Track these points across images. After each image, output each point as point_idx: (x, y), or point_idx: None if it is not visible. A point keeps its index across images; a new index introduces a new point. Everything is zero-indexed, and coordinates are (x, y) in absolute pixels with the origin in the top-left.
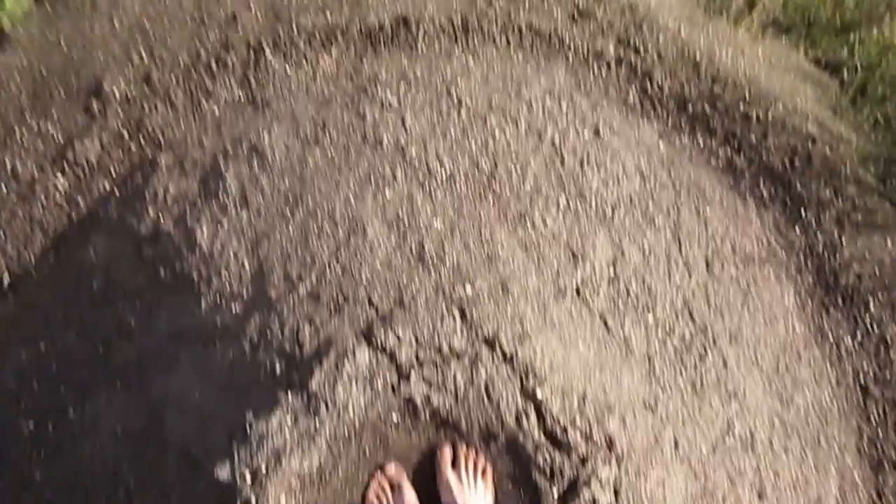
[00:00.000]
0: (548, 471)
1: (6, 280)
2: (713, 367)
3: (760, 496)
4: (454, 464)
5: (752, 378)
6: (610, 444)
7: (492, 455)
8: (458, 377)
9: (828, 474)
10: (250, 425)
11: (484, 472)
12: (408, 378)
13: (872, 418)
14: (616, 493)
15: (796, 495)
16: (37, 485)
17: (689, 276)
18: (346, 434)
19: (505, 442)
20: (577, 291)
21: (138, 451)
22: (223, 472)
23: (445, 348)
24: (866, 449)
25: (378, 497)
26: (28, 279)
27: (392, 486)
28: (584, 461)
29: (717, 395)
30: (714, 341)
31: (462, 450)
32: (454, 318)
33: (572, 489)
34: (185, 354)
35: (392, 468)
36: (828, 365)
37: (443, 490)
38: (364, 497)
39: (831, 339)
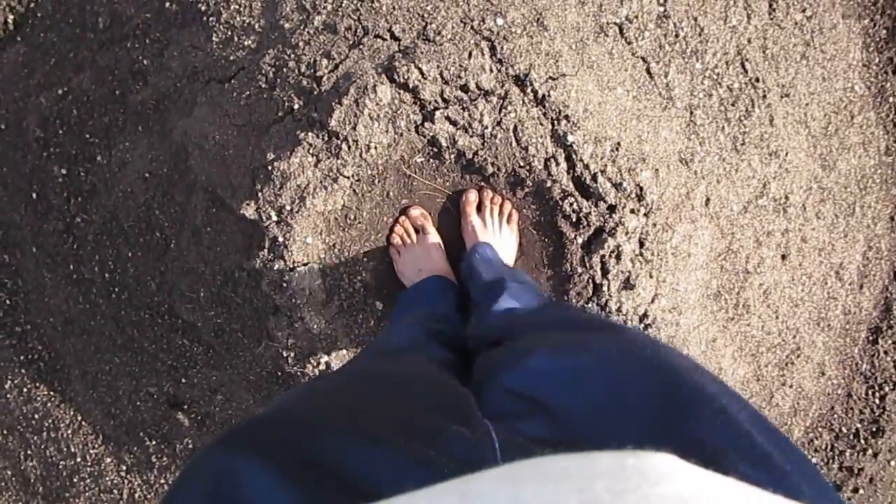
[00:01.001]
0: (574, 218)
1: (10, 20)
2: (758, 123)
3: (784, 258)
4: (479, 209)
5: (798, 139)
6: (640, 195)
7: (517, 201)
8: (486, 118)
9: (855, 242)
10: (272, 165)
11: (510, 217)
12: (432, 117)
13: None
14: (641, 243)
15: (819, 259)
16: (79, 227)
17: (748, 19)
18: (370, 175)
19: (532, 187)
20: (620, 30)
21: (167, 194)
22: (249, 211)
23: (473, 86)
24: None
25: (402, 239)
26: (32, 18)
27: (416, 229)
28: (611, 210)
29: (758, 155)
30: (764, 95)
31: (488, 195)
32: (483, 54)
33: (597, 237)
34: (201, 94)
35: (416, 211)
36: (881, 130)
37: (467, 234)
38: (388, 239)
39: (891, 102)
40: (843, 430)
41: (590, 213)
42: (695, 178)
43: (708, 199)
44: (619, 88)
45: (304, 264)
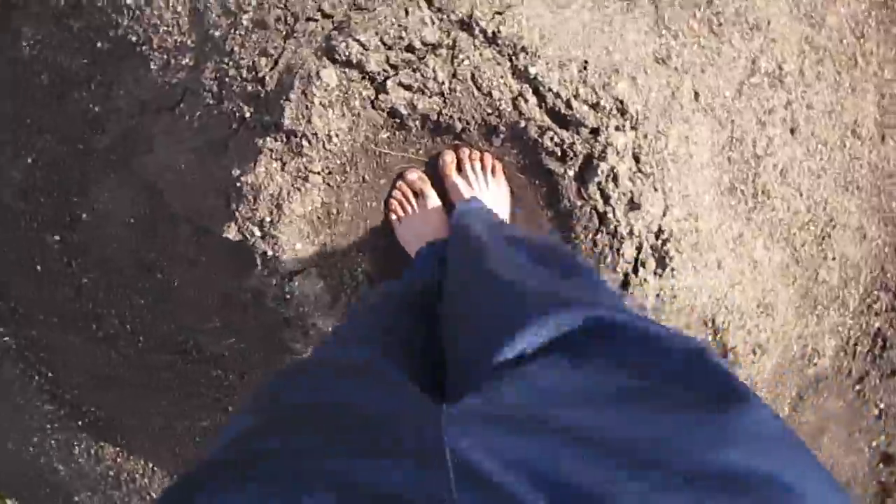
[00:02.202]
0: (558, 152)
1: None
2: None
3: (793, 131)
4: (460, 168)
5: (777, 4)
6: (621, 109)
7: (496, 150)
8: (440, 73)
9: (866, 94)
10: (239, 181)
11: (493, 169)
12: (385, 88)
13: None
14: (636, 158)
15: (831, 123)
16: (87, 288)
17: None
18: (340, 165)
19: (507, 132)
20: None
21: (154, 233)
22: (231, 233)
23: (418, 44)
24: None
25: (401, 205)
26: None
27: (415, 193)
28: (595, 133)
29: (738, 32)
30: None
31: (465, 152)
32: (419, 7)
33: (588, 165)
34: (155, 126)
35: (413, 174)
36: None
37: (452, 193)
38: (387, 206)
39: None
40: (894, 286)
41: (573, 142)
42: (677, 75)
43: (696, 93)
44: (572, 4)
45: (301, 271)
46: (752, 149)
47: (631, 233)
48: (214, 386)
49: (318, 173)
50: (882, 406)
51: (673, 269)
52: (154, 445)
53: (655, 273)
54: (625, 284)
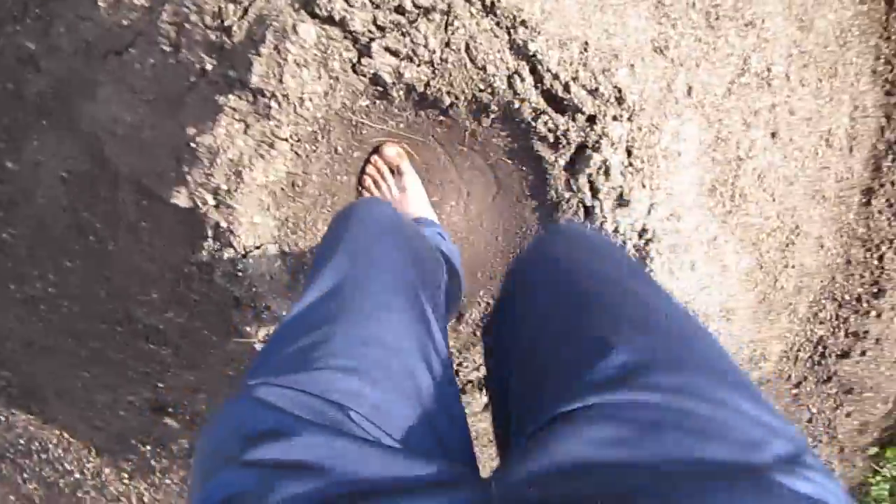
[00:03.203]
0: (551, 138)
1: None
2: None
3: (774, 135)
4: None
5: (772, 2)
6: (620, 98)
7: (484, 130)
8: (431, 40)
9: (840, 105)
10: (195, 141)
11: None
12: (369, 51)
13: (892, 33)
14: (629, 152)
15: (808, 130)
16: (9, 245)
17: None
18: (311, 132)
19: (499, 112)
20: None
21: (91, 192)
22: (181, 198)
23: (409, 5)
24: (882, 69)
25: (375, 181)
26: None
27: (391, 170)
28: (591, 121)
29: (734, 27)
30: None
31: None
32: None
33: (581, 155)
34: (101, 71)
35: (392, 150)
36: None
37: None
38: (359, 182)
39: None
40: (846, 297)
41: (568, 129)
42: (673, 67)
43: (690, 88)
44: None
45: (258, 247)
46: (736, 150)
47: (616, 230)
48: (144, 360)
49: (286, 140)
50: (814, 411)
51: (651, 271)
52: (72, 417)
53: None
54: None
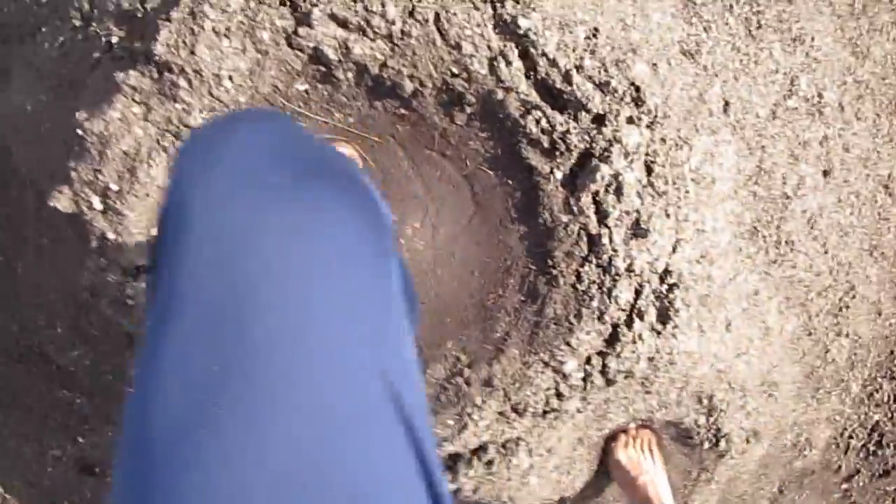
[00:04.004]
0: (545, 141)
1: None
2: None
3: (826, 174)
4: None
5: (822, 20)
6: (637, 98)
7: (458, 129)
8: (391, 8)
9: None
10: (83, 128)
11: (650, 442)
12: (308, 20)
13: None
14: (649, 169)
15: (865, 172)
16: None
17: None
18: None
19: (476, 105)
20: None
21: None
22: (62, 201)
23: None
24: None
25: None
26: None
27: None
28: (600, 122)
29: (779, 41)
30: None
31: (630, 433)
32: None
33: (584, 167)
34: (14, 59)
35: (342, 151)
36: None
37: (617, 473)
38: None
39: None
40: None
41: (568, 130)
42: (706, 75)
43: (727, 103)
44: None
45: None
46: (782, 186)
47: (630, 269)
48: (62, 410)
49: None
50: None
51: (676, 327)
52: (7, 472)
53: (654, 329)
54: (611, 341)
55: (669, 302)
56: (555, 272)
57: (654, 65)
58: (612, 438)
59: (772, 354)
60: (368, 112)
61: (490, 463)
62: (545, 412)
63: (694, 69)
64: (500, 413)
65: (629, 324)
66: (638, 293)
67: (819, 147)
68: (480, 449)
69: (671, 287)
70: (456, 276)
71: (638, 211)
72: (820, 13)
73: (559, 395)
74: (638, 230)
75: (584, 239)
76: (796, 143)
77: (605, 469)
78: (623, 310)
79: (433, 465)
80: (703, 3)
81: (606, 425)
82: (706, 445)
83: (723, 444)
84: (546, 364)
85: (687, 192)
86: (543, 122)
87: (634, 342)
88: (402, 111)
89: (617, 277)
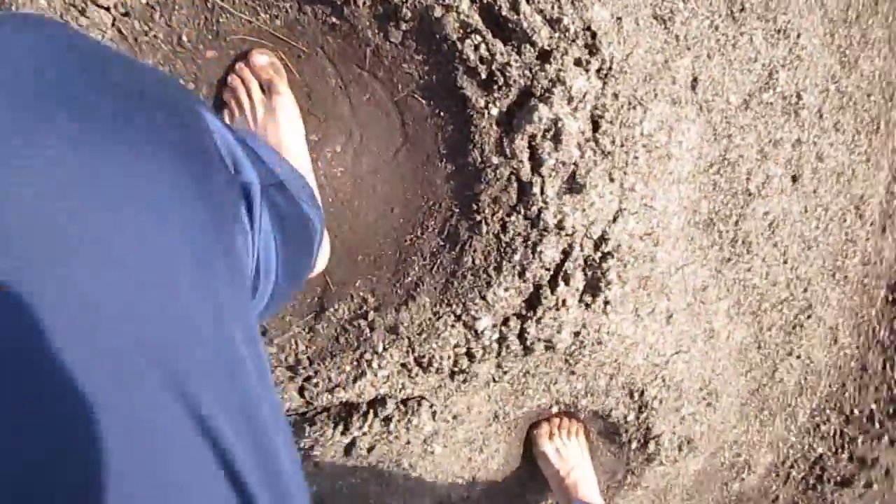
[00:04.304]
0: (483, 71)
1: None
2: None
3: (795, 179)
4: (549, 435)
5: (812, 18)
6: (590, 44)
7: (391, 48)
8: None
9: (878, 170)
10: None
11: (577, 433)
12: None
13: None
14: (595, 123)
15: (837, 188)
16: None
17: None
18: (145, 5)
19: (414, 22)
20: None
21: None
22: None
23: None
24: None
25: (237, 99)
26: None
27: (262, 87)
28: (544, 59)
29: (762, 29)
30: None
31: (555, 422)
32: None
33: (523, 105)
34: None
35: (262, 58)
36: None
37: (542, 464)
38: (219, 95)
39: None
40: (856, 411)
41: (508, 62)
42: (676, 45)
43: (696, 79)
44: None
45: None
46: (745, 182)
47: (560, 226)
48: None
49: (106, 8)
50: None
51: (608, 303)
52: None
53: (582, 300)
54: (532, 303)
55: (602, 273)
56: (479, 218)
57: (619, 18)
58: (535, 425)
59: (715, 361)
60: (297, 16)
61: (388, 420)
62: (453, 373)
63: (664, 35)
64: (403, 365)
65: (553, 286)
66: (566, 255)
67: (791, 149)
68: (378, 402)
69: (605, 256)
70: (374, 211)
71: (576, 164)
72: (810, 11)
73: (470, 355)
74: (574, 184)
75: (515, 186)
76: (767, 140)
77: (530, 457)
78: (547, 269)
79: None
80: None
81: (526, 403)
82: (634, 445)
83: (652, 446)
84: (458, 318)
85: (636, 158)
86: (483, 50)
87: (557, 308)
88: (334, 20)
89: (545, 232)
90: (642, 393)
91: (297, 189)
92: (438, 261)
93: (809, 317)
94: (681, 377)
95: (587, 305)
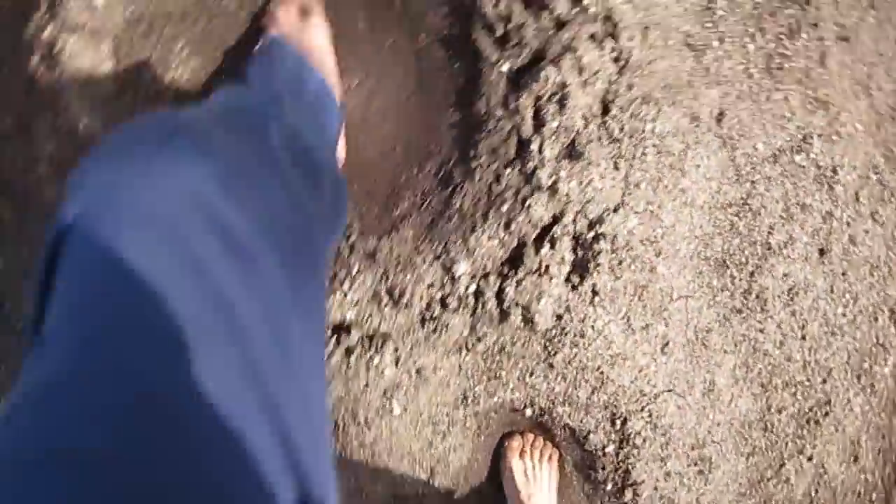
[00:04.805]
0: (499, 29)
1: None
2: (803, 52)
3: (823, 252)
4: (521, 453)
5: (857, 104)
6: (610, 29)
7: (419, 2)
8: None
9: None
10: None
11: (550, 458)
12: None
13: None
14: (606, 107)
15: (871, 281)
16: None
17: None
18: None
19: None
20: None
21: None
22: None
23: None
24: None
25: (276, 21)
26: None
27: (300, 9)
28: (559, 27)
29: (799, 93)
30: (815, 24)
31: (528, 439)
32: None
33: (533, 67)
34: None
35: None
36: None
37: (506, 481)
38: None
39: None
40: None
41: (525, 23)
42: (704, 73)
43: (722, 113)
44: None
45: (95, 32)
46: (766, 234)
47: (554, 188)
48: None
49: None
50: None
51: (596, 293)
52: None
53: (569, 279)
54: (514, 262)
55: (592, 255)
56: (474, 165)
57: (646, 28)
58: (508, 436)
59: (713, 422)
60: None
61: (349, 352)
62: (424, 318)
63: (692, 63)
64: (375, 293)
65: (537, 248)
66: (556, 220)
67: (821, 221)
68: (343, 329)
69: (598, 237)
70: (377, 147)
71: (578, 132)
72: (856, 97)
73: (444, 303)
74: (573, 151)
75: (515, 141)
76: (794, 202)
77: (497, 477)
78: (534, 226)
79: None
80: (723, 16)
81: (498, 391)
82: (610, 486)
83: (629, 494)
84: (437, 257)
85: (644, 155)
86: (502, 7)
87: (539, 274)
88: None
89: (537, 189)
90: (625, 422)
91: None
92: (429, 200)
93: (827, 414)
94: (670, 421)
95: (573, 287)
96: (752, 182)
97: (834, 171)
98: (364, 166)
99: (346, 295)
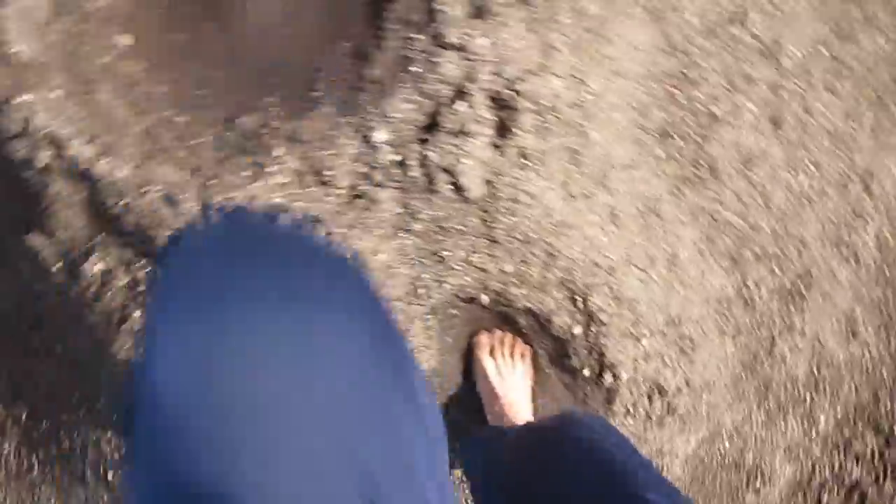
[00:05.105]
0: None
1: None
2: None
3: (776, 124)
4: (491, 351)
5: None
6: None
7: None
8: None
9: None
10: None
11: (522, 355)
12: None
13: None
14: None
15: (834, 149)
16: None
17: None
18: None
19: None
20: None
21: None
22: None
23: None
24: None
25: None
26: None
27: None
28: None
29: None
30: None
31: (497, 335)
32: None
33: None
34: None
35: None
36: None
37: (479, 380)
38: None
39: None
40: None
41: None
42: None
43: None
44: None
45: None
46: (708, 105)
47: (464, 46)
48: None
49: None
50: None
51: (524, 156)
52: None
53: (493, 142)
54: (434, 128)
55: (514, 114)
56: (386, 34)
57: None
58: (476, 334)
59: (686, 298)
60: None
61: None
62: (353, 196)
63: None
64: (298, 173)
65: (452, 107)
66: (470, 77)
67: (767, 91)
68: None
69: (518, 94)
70: (292, 30)
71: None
72: None
73: (369, 177)
74: (483, 10)
75: (425, 7)
76: (737, 72)
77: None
78: (448, 85)
79: None
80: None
81: (449, 278)
82: (587, 373)
83: (609, 378)
84: (356, 130)
85: (559, 17)
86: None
87: (457, 134)
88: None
89: (445, 48)
90: (585, 300)
91: None
92: (345, 75)
93: (810, 287)
94: (634, 295)
95: (497, 147)
96: (687, 54)
97: (777, 44)
98: (280, 50)
99: (273, 176)
